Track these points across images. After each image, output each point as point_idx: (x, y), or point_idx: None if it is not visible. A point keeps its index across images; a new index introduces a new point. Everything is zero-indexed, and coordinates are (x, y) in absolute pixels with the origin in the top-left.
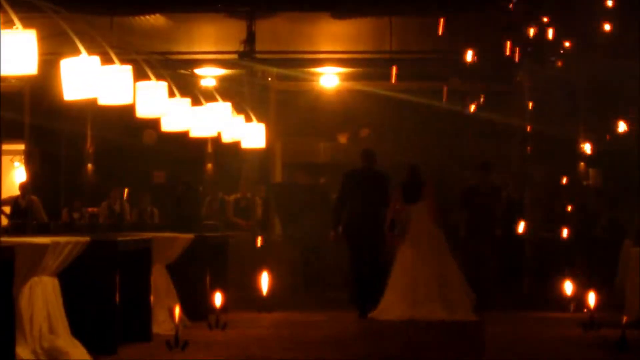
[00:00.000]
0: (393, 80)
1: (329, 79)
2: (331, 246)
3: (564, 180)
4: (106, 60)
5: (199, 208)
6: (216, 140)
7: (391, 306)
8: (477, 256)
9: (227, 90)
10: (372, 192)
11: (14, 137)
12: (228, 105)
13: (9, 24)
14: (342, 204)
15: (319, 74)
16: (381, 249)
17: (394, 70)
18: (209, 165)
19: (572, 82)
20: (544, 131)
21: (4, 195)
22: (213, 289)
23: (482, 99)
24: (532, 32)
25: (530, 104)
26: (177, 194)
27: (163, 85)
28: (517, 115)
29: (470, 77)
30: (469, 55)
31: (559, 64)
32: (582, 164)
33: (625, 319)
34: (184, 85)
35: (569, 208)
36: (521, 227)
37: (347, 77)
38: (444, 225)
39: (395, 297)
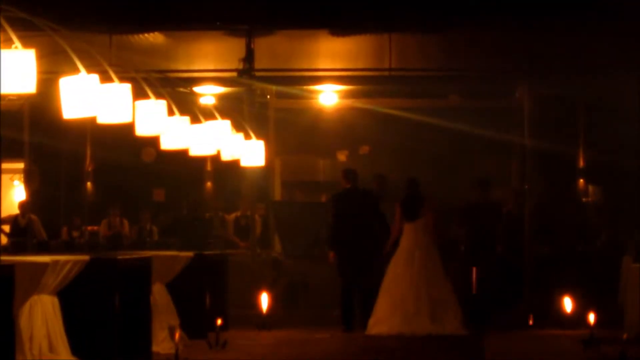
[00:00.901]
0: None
1: (328, 96)
2: (324, 264)
3: (564, 197)
4: (105, 78)
5: (208, 226)
6: (215, 158)
7: (382, 320)
8: (476, 272)
9: (226, 108)
10: (361, 212)
11: (14, 156)
12: (227, 123)
13: (8, 42)
14: (334, 225)
15: (318, 92)
16: (371, 266)
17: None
18: (209, 184)
19: (572, 98)
20: (543, 147)
21: (4, 214)
22: (213, 307)
23: None
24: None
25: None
26: (186, 213)
27: (162, 104)
28: (517, 131)
29: (469, 94)
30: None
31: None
32: (581, 180)
33: (625, 335)
34: (183, 103)
35: (569, 224)
36: (521, 243)
37: (346, 95)
38: (444, 241)
39: (386, 311)
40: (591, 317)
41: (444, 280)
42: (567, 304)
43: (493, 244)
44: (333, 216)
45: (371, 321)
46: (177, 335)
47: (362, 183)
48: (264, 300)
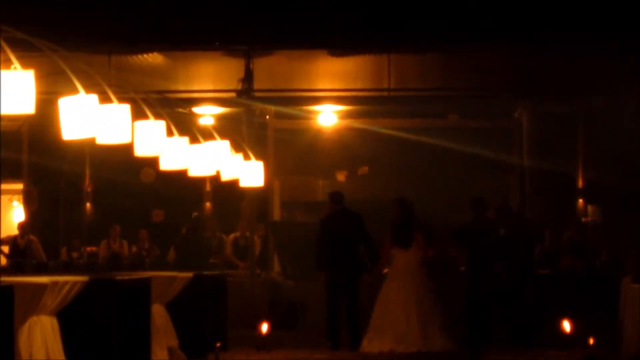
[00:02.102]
0: None
1: (327, 116)
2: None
3: (563, 217)
4: (104, 99)
5: (207, 244)
6: (215, 179)
7: (375, 339)
8: (476, 292)
9: (225, 129)
10: (348, 233)
11: (13, 177)
12: (226, 143)
13: (7, 63)
14: (324, 247)
15: (317, 112)
16: (357, 287)
17: None
18: (208, 204)
19: (571, 118)
20: (542, 167)
21: (3, 235)
22: (212, 328)
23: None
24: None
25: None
26: (186, 231)
27: (161, 124)
28: (516, 151)
29: (468, 113)
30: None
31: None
32: (581, 200)
33: (623, 355)
34: (182, 123)
35: (568, 244)
36: (519, 262)
37: (345, 115)
38: (443, 260)
39: (379, 330)
40: (590, 337)
41: (433, 299)
42: (567, 323)
43: (492, 264)
44: (319, 239)
45: (364, 341)
46: (176, 356)
47: (360, 203)
48: (263, 321)
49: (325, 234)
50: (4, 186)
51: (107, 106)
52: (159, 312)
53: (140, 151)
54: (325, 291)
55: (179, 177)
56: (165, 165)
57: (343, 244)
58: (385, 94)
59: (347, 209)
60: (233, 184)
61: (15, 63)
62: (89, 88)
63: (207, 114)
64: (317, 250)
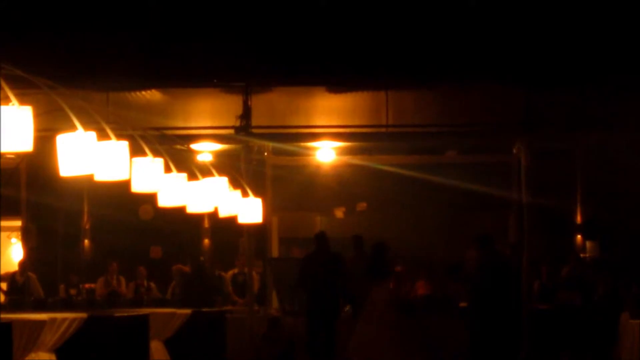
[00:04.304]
0: None
1: (325, 153)
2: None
3: (562, 252)
4: (102, 135)
5: (212, 285)
6: (213, 215)
7: None
8: (477, 328)
9: (224, 165)
10: (328, 273)
11: (11, 214)
12: (224, 180)
13: (6, 100)
14: (303, 284)
15: (315, 148)
16: (336, 324)
17: None
18: (206, 241)
19: (569, 154)
20: (541, 203)
21: (2, 272)
22: None
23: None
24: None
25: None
26: (190, 273)
27: (159, 161)
28: (514, 187)
29: (466, 149)
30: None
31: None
32: (579, 235)
33: None
34: (180, 160)
35: (567, 279)
36: (519, 299)
37: (343, 151)
38: (441, 298)
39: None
40: None
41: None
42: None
43: (495, 300)
44: (298, 278)
45: None
46: None
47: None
48: (263, 358)
49: (303, 272)
50: (3, 223)
51: (105, 143)
52: (157, 349)
53: (137, 188)
54: (307, 329)
55: (177, 214)
56: (163, 202)
57: (322, 283)
58: (383, 130)
59: (326, 249)
60: (231, 221)
61: (14, 100)
62: (87, 125)
63: (205, 151)
64: (296, 286)
